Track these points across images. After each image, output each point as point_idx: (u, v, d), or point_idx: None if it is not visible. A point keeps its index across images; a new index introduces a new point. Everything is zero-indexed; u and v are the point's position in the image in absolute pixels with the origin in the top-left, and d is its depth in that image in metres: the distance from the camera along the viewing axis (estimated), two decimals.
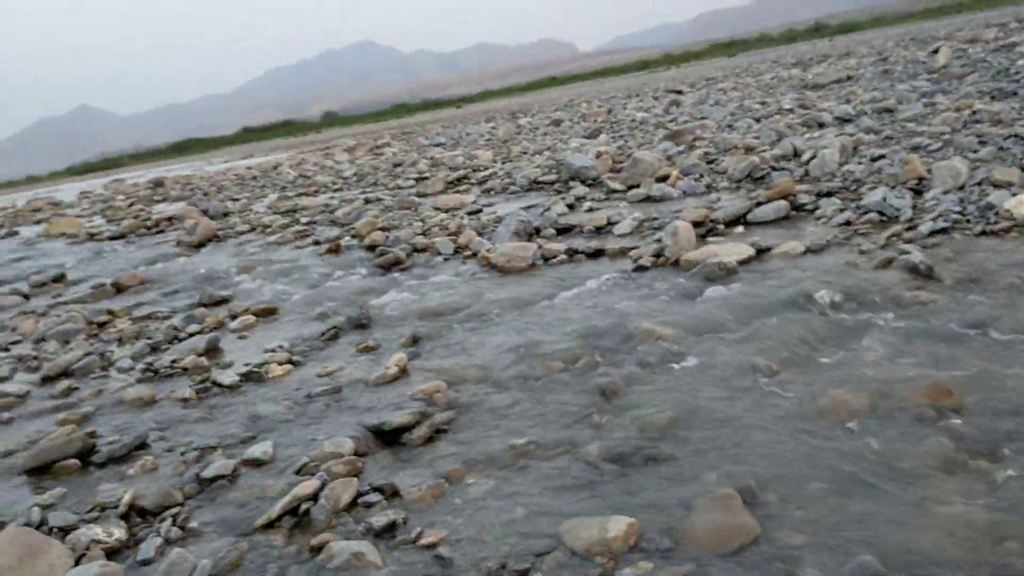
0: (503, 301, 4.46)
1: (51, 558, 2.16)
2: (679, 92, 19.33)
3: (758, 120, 9.82)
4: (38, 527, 2.43)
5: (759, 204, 5.41)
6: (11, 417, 3.67)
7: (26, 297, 6.68)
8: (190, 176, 22.47)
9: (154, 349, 4.47)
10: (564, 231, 5.99)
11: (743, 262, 4.34)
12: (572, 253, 5.23)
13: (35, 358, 4.60)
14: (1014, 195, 4.33)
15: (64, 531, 2.41)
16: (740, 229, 5.16)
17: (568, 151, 10.21)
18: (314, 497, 2.44)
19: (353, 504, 2.43)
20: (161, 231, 9.80)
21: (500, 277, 5.07)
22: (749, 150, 7.56)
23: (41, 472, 2.95)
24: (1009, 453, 2.18)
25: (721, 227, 5.20)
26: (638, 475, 2.39)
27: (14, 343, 5.09)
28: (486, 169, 10.31)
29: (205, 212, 9.81)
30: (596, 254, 5.17)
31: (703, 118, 11.17)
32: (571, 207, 6.84)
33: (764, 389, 2.83)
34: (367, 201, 9.10)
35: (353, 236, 7.01)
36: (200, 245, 8.12)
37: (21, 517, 2.52)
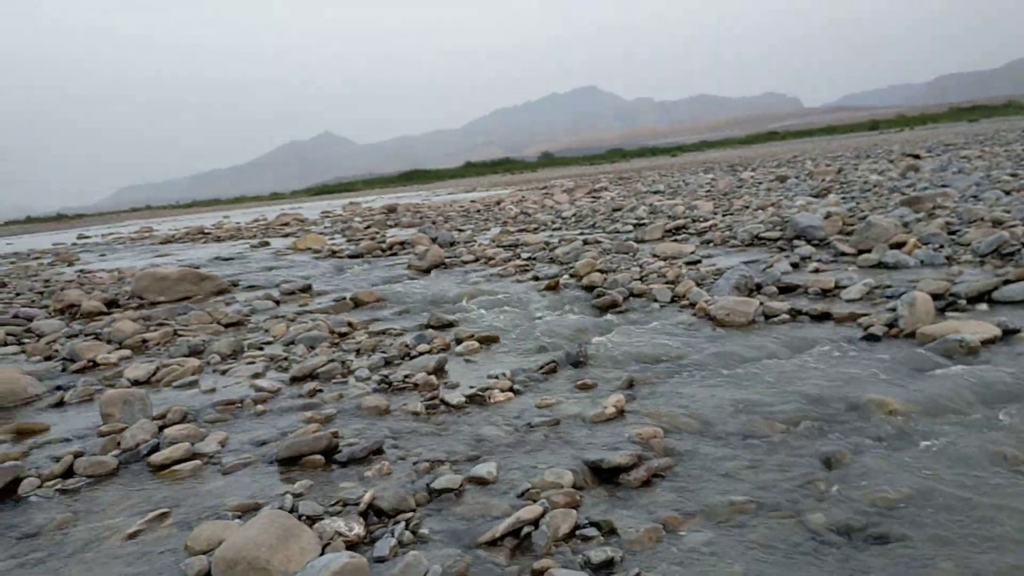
0: (721, 354, 4.43)
1: (302, 542, 2.39)
2: (917, 156, 18.24)
3: (1008, 193, 9.10)
4: (289, 512, 2.69)
5: (1007, 282, 5.03)
6: (265, 410, 4.08)
7: (277, 303, 7.40)
8: (419, 204, 23.84)
9: (388, 363, 4.81)
10: (787, 290, 5.84)
11: (987, 342, 4.05)
12: (795, 313, 5.09)
13: (285, 359, 5.08)
14: None
15: (311, 520, 2.66)
16: (983, 307, 4.82)
17: (794, 209, 9.92)
18: (535, 522, 2.54)
19: (571, 535, 2.51)
20: (394, 254, 10.50)
21: (718, 330, 5.02)
22: (997, 224, 7.04)
23: (290, 463, 3.27)
24: None
25: (962, 302, 4.88)
26: (866, 552, 2.30)
27: (267, 343, 5.65)
28: (706, 220, 10.23)
29: (434, 240, 10.40)
30: (821, 317, 5.00)
31: (944, 186, 10.49)
32: (795, 266, 6.66)
33: (1007, 480, 2.64)
34: (585, 242, 9.30)
35: (571, 275, 7.19)
36: (429, 270, 8.63)
37: (276, 501, 2.81)
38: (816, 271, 6.32)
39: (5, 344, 6.41)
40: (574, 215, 13.53)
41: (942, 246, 6.59)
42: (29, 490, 3.18)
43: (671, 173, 30.60)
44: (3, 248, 27.26)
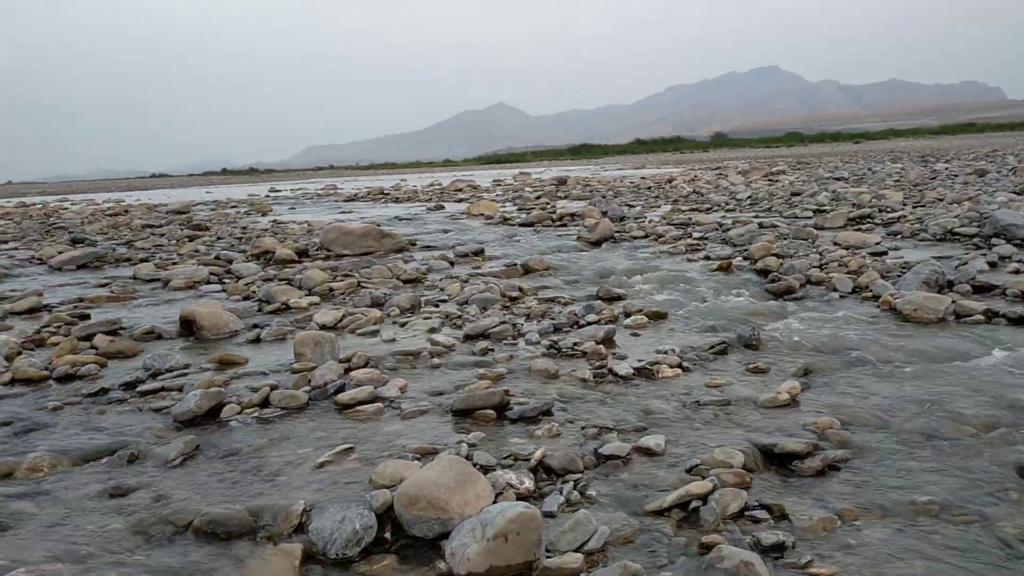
0: (906, 350, 4.22)
1: (478, 489, 2.50)
2: None
3: None
4: (465, 459, 2.82)
5: None
6: (440, 363, 4.26)
7: (451, 264, 7.66)
8: (589, 178, 23.86)
9: (557, 329, 4.90)
10: (982, 290, 5.47)
11: None
12: (991, 315, 4.77)
13: (459, 317, 5.28)
14: None
15: (484, 469, 2.77)
16: None
17: (994, 205, 9.22)
18: (704, 498, 2.54)
19: (740, 515, 2.50)
20: (564, 225, 10.60)
21: (903, 325, 4.78)
22: None
23: (464, 415, 3.40)
24: None
25: None
26: None
27: (442, 301, 5.88)
28: (893, 211, 9.69)
29: (604, 213, 10.41)
30: (1021, 321, 4.66)
31: None
32: (992, 265, 6.21)
33: None
34: (761, 226, 9.04)
35: (745, 258, 7.02)
36: (598, 243, 8.66)
37: (452, 448, 2.95)
38: (1016, 272, 5.87)
39: (208, 282, 7.00)
40: (749, 197, 13.15)
41: None
42: (230, 415, 3.48)
43: (855, 160, 29.05)
44: (204, 196, 29.61)
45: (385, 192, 22.96)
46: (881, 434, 3.16)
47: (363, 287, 6.42)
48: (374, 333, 4.96)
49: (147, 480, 2.83)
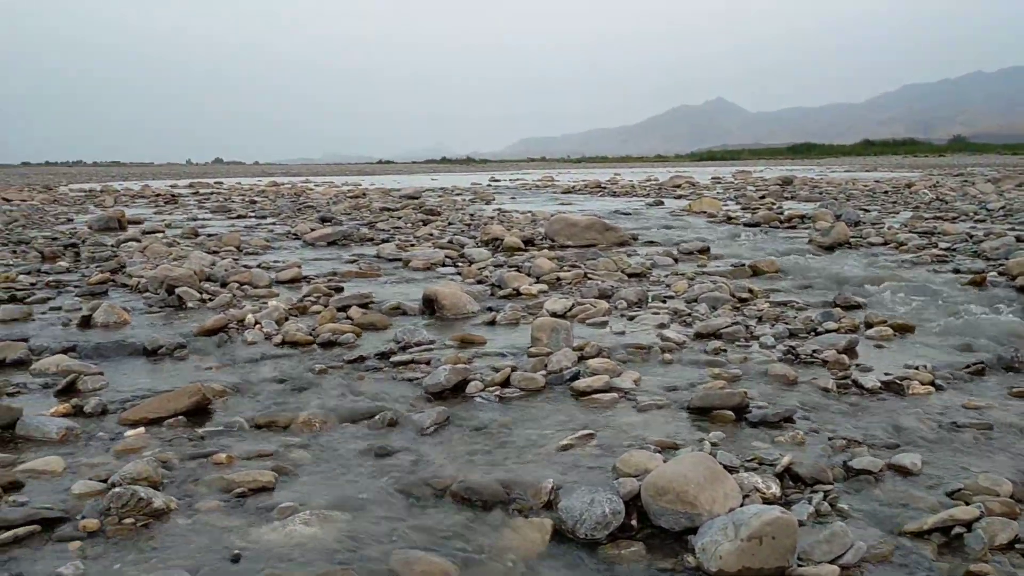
0: None
1: (726, 488, 2.49)
2: None
3: None
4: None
5: None
6: (672, 359, 4.25)
7: (676, 260, 7.62)
8: (816, 179, 22.80)
9: (792, 335, 4.74)
10: None
11: None
12: None
13: (688, 315, 5.24)
14: None
15: (728, 469, 2.75)
16: None
17: None
18: (968, 524, 2.39)
19: (1009, 547, 2.33)
20: (792, 227, 10.21)
21: None
22: None
23: (701, 413, 3.38)
24: None
25: None
26: None
27: (669, 297, 5.86)
28: None
29: (838, 217, 9.92)
30: None
31: None
32: None
33: None
34: (1019, 239, 8.26)
35: (1000, 273, 6.46)
36: (831, 247, 8.28)
37: (693, 445, 2.95)
38: None
39: (444, 265, 7.40)
40: (1003, 208, 12.04)
41: None
42: (474, 391, 3.67)
43: None
44: (430, 183, 31.22)
45: (601, 185, 23.10)
46: None
47: (589, 278, 6.52)
48: (603, 324, 5.04)
49: (406, 444, 3.05)
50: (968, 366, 4.12)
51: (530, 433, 3.18)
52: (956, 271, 6.79)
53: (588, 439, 3.08)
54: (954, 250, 7.89)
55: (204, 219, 13.04)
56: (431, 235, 9.60)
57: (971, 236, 8.77)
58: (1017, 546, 2.34)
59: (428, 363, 4.10)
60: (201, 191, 23.52)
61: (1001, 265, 6.71)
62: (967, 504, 2.52)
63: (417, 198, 17.57)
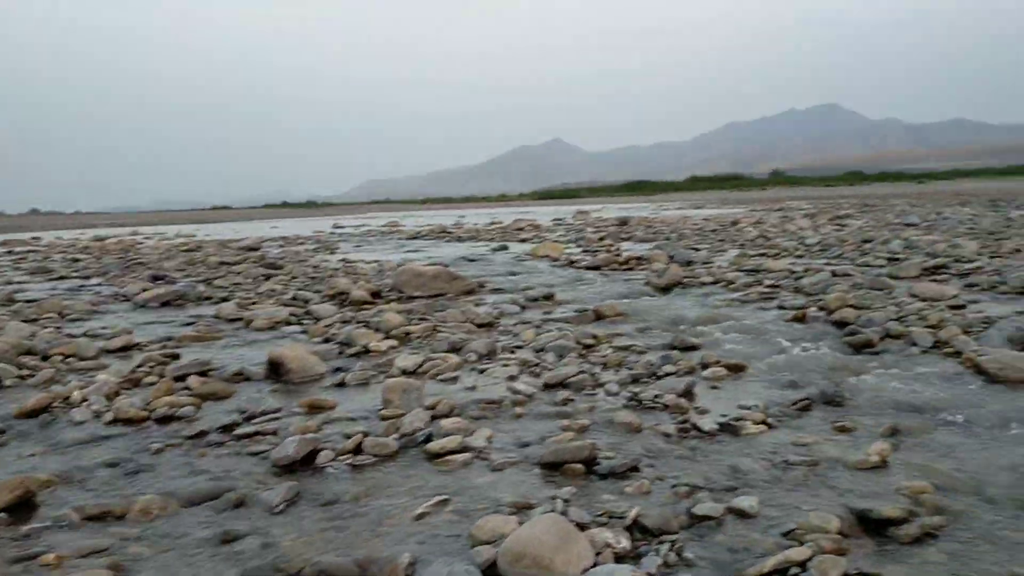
0: (995, 412, 4.14)
1: (579, 548, 2.55)
2: None
3: None
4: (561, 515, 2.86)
5: None
6: (522, 413, 4.31)
7: (522, 308, 7.75)
8: (650, 218, 23.86)
9: (635, 380, 4.92)
10: None
11: None
12: None
13: (536, 365, 5.33)
14: None
15: (580, 526, 2.81)
16: None
17: None
18: (802, 564, 2.55)
19: None
20: (630, 268, 10.62)
21: (989, 384, 4.69)
22: None
23: (553, 468, 3.45)
24: None
25: None
26: None
27: (518, 347, 5.95)
28: (970, 262, 9.50)
29: (672, 258, 10.42)
30: None
31: None
32: None
33: None
34: (834, 274, 8.95)
35: (820, 308, 6.96)
36: (667, 288, 8.67)
37: (547, 504, 3.00)
38: None
39: (288, 323, 7.20)
40: (818, 243, 13.02)
41: None
42: (325, 461, 3.58)
43: (921, 203, 28.56)
44: (271, 232, 30.33)
45: (447, 230, 23.26)
46: (975, 500, 3.12)
47: (439, 331, 6.53)
48: (454, 379, 5.05)
49: (254, 526, 2.94)
50: (795, 403, 4.41)
51: (384, 504, 3.14)
52: (781, 307, 7.25)
53: (443, 505, 3.08)
54: (778, 287, 8.43)
55: (20, 282, 12.10)
56: (273, 291, 9.34)
57: (792, 272, 9.41)
58: None
59: (275, 433, 3.98)
60: (16, 249, 21.83)
61: (820, 300, 7.23)
62: (801, 544, 2.68)
63: (257, 249, 17.06)
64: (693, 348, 5.83)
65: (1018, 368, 4.76)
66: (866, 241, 12.99)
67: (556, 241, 15.44)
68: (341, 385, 5.01)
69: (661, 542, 2.75)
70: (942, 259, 9.69)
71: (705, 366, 5.23)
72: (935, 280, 8.48)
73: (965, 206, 24.64)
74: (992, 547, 2.73)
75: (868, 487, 3.24)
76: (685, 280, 9.06)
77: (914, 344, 5.64)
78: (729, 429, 3.98)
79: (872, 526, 2.90)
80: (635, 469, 3.44)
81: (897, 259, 10.13)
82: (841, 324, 6.35)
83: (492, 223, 28.20)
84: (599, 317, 7.09)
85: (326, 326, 6.86)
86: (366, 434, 3.83)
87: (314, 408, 4.44)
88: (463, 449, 3.67)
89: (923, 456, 3.62)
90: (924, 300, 7.24)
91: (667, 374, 5.04)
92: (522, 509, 2.99)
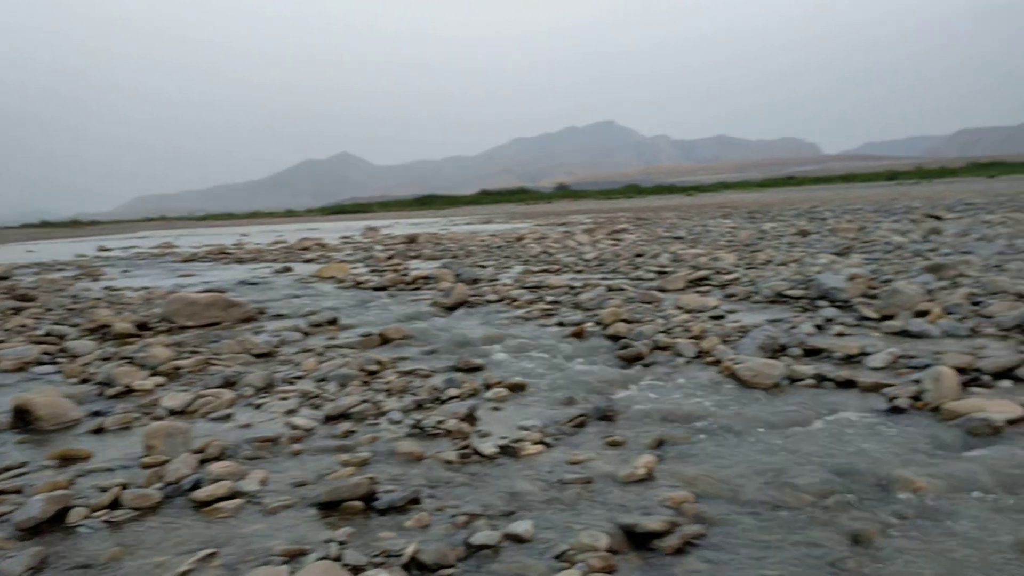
0: (748, 417, 4.49)
1: None
2: (938, 218, 18.31)
3: None
4: (335, 561, 2.78)
5: None
6: (301, 449, 4.16)
7: (305, 334, 7.51)
8: (440, 236, 24.02)
9: (419, 406, 4.89)
10: (811, 353, 5.89)
11: (1012, 422, 4.11)
12: (820, 379, 5.16)
13: (317, 396, 5.18)
14: None
15: (356, 570, 2.74)
16: (1007, 383, 4.86)
17: (817, 267, 10.02)
18: None
19: None
20: (418, 288, 10.62)
21: (744, 391, 5.09)
22: (1021, 297, 7.11)
23: (330, 507, 3.35)
24: None
25: (986, 378, 4.93)
26: None
27: (298, 377, 5.75)
28: (729, 273, 10.32)
29: (458, 276, 10.52)
30: (846, 384, 5.06)
31: (967, 252, 10.57)
32: (819, 328, 6.72)
33: None
34: (609, 289, 9.40)
35: (597, 323, 7.26)
36: (453, 308, 8.73)
37: (321, 549, 2.90)
38: (840, 335, 6.38)
39: (40, 363, 6.54)
40: (596, 258, 13.65)
41: (965, 317, 6.66)
42: (78, 519, 3.27)
43: (690, 215, 30.78)
44: (25, 256, 27.54)
45: (226, 251, 22.20)
46: (731, 506, 3.35)
47: (212, 364, 6.18)
48: (228, 417, 4.79)
49: None
50: (571, 419, 4.56)
51: (144, 563, 2.90)
52: (560, 324, 7.50)
53: (210, 559, 2.90)
54: (559, 303, 8.73)
55: None
56: (24, 326, 8.46)
57: (572, 288, 9.79)
58: None
59: (20, 491, 3.59)
60: None
61: (596, 315, 7.56)
62: (572, 565, 2.76)
63: (7, 278, 15.44)
64: (477, 369, 5.89)
65: (768, 375, 5.20)
66: (638, 255, 13.78)
67: (343, 261, 15.17)
68: (99, 431, 4.60)
69: None
70: (704, 271, 10.45)
71: (488, 387, 5.30)
72: (699, 292, 9.12)
73: (727, 218, 26.81)
74: (747, 551, 2.94)
75: (636, 501, 3.40)
76: (471, 299, 9.17)
77: (680, 355, 6.01)
78: (509, 451, 4.04)
79: (638, 540, 3.03)
80: (416, 501, 3.40)
81: (665, 272, 10.81)
82: (615, 338, 6.67)
83: (276, 242, 27.28)
84: (385, 341, 7.02)
85: (84, 364, 6.29)
86: (125, 485, 3.54)
87: (67, 459, 4.04)
88: (234, 495, 3.48)
89: (686, 465, 3.85)
90: (688, 311, 7.76)
91: (451, 398, 5.06)
92: (295, 557, 2.87)
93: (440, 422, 4.47)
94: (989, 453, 3.75)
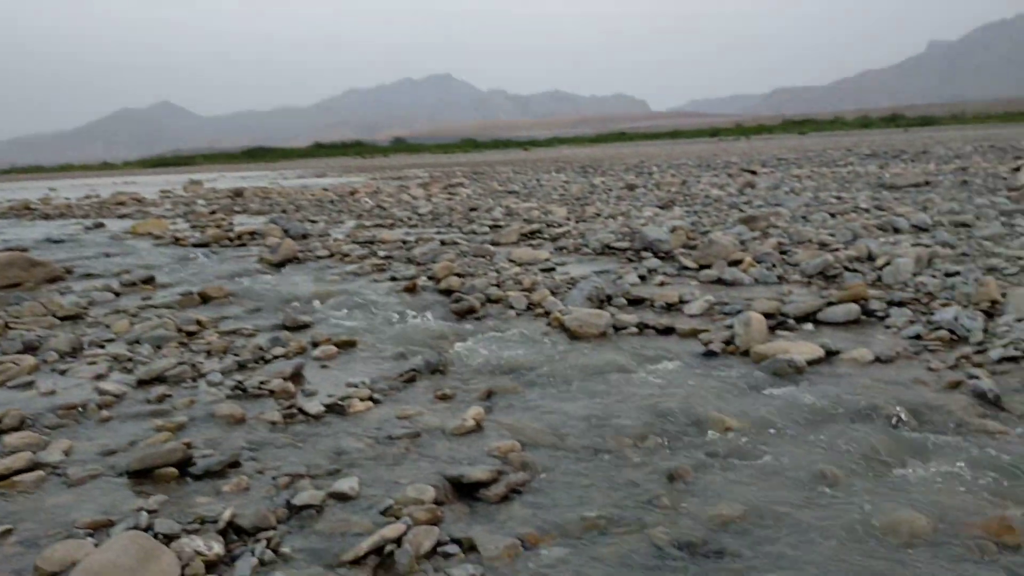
0: (575, 366, 4.62)
1: (163, 565, 2.36)
2: (753, 172, 19.44)
3: (833, 216, 9.90)
4: (145, 531, 2.63)
5: (830, 304, 5.50)
6: (110, 416, 3.91)
7: (117, 295, 7.04)
8: (268, 189, 23.13)
9: (241, 367, 4.71)
10: (635, 302, 6.12)
11: (812, 362, 4.44)
12: (643, 327, 5.37)
13: (129, 359, 4.88)
14: None
15: (168, 538, 2.61)
16: (810, 327, 5.24)
17: (642, 220, 10.39)
18: (398, 540, 2.61)
19: (433, 552, 2.60)
20: (243, 244, 10.20)
21: (572, 341, 5.22)
22: (823, 246, 7.67)
23: (142, 476, 3.17)
24: None
25: (791, 322, 5.29)
26: (704, 567, 2.51)
27: (109, 340, 5.39)
28: (560, 226, 10.53)
29: (286, 232, 10.19)
30: (666, 331, 5.30)
31: (777, 205, 11.28)
32: (643, 278, 6.99)
33: (828, 497, 2.93)
34: (443, 243, 9.37)
35: (429, 277, 7.23)
36: (281, 264, 8.45)
37: (130, 519, 2.74)
38: (661, 284, 6.66)
39: None
40: (430, 212, 13.57)
41: (774, 265, 7.11)
42: None
43: (524, 170, 31.16)
44: None
45: (31, 207, 20.46)
46: (557, 452, 3.44)
47: (11, 328, 5.69)
48: (29, 385, 4.43)
49: None
50: (401, 375, 4.53)
51: None
52: (393, 279, 7.42)
53: (5, 536, 2.68)
54: (391, 258, 8.63)
55: None
56: None
57: (405, 243, 9.69)
58: (439, 549, 2.62)
59: None
60: None
61: (429, 270, 7.52)
62: (397, 519, 2.74)
63: None
64: (305, 327, 5.74)
65: (593, 324, 5.36)
66: (472, 209, 13.83)
67: (161, 216, 14.33)
68: None
69: (257, 540, 2.64)
70: (537, 225, 10.62)
71: (316, 344, 5.18)
72: (531, 245, 9.27)
73: (560, 172, 27.34)
74: (570, 495, 3.03)
75: (464, 452, 3.42)
76: (300, 255, 8.91)
77: (511, 307, 6.09)
78: (336, 409, 3.97)
79: (465, 490, 3.06)
80: (235, 465, 3.28)
81: (499, 226, 10.90)
82: (448, 292, 6.66)
83: (88, 196, 25.41)
84: (205, 300, 6.69)
85: None
86: None
87: None
88: (34, 467, 3.23)
89: (514, 415, 3.91)
90: (520, 264, 7.87)
91: (276, 357, 4.91)
92: (101, 529, 2.70)
93: (263, 382, 4.32)
94: (792, 392, 4.02)
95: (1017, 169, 13.45)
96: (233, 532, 2.70)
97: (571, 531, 2.75)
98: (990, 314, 5.04)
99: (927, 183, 13.69)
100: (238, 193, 19.95)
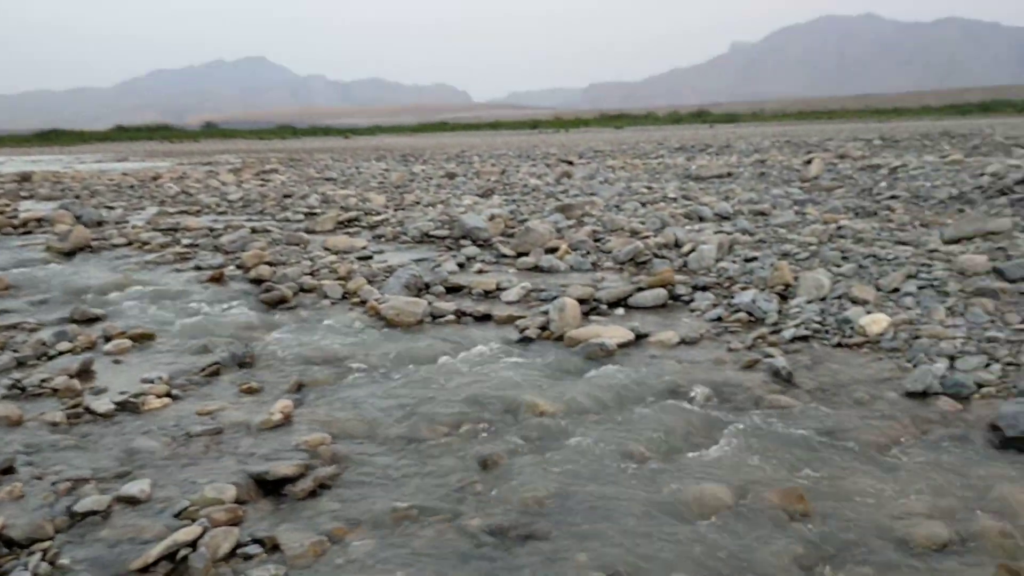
0: (390, 356, 4.52)
1: None
2: (570, 163, 19.98)
3: (644, 205, 10.32)
4: None
5: (640, 289, 5.69)
6: None
7: None
8: (60, 173, 21.35)
9: (20, 364, 4.28)
10: (453, 290, 6.10)
11: (623, 345, 4.57)
12: (460, 314, 5.35)
13: None
14: (868, 312, 4.76)
15: None
16: (621, 311, 5.40)
17: (461, 208, 10.40)
18: (193, 544, 2.43)
19: (232, 554, 2.45)
20: (29, 232, 9.35)
21: (388, 330, 5.12)
22: (634, 234, 7.95)
23: None
24: (848, 564, 2.42)
25: (604, 307, 5.43)
26: (515, 551, 2.51)
27: None
28: (378, 214, 10.36)
29: (79, 218, 9.41)
30: (484, 318, 5.31)
31: (592, 194, 11.62)
32: (461, 266, 6.98)
33: (635, 475, 3.01)
34: (253, 230, 8.97)
35: (238, 266, 6.90)
36: (72, 253, 7.79)
37: None
38: (480, 272, 6.68)
39: None
40: (241, 199, 12.98)
41: (589, 252, 7.30)
42: None
43: (344, 158, 30.49)
44: None
45: None
46: (369, 444, 3.35)
47: None
48: None
49: None
50: (204, 368, 4.27)
51: None
52: (198, 268, 7.01)
53: None
54: (197, 246, 8.16)
55: None
56: None
57: (212, 230, 9.20)
58: (240, 551, 2.46)
59: None
60: None
61: (238, 258, 7.16)
62: (193, 521, 2.56)
63: None
64: (96, 320, 5.30)
65: (410, 312, 5.27)
66: (287, 196, 13.35)
67: None
68: None
69: (32, 553, 2.39)
70: (354, 212, 10.39)
71: (108, 339, 4.79)
72: (348, 233, 9.04)
73: (381, 160, 26.96)
74: (381, 486, 2.94)
75: (270, 447, 3.26)
76: (94, 243, 8.25)
77: (326, 296, 5.90)
78: (129, 407, 3.68)
79: (270, 487, 2.90)
80: (9, 471, 2.96)
81: (315, 214, 10.58)
82: (258, 282, 6.37)
83: None
84: None
85: None
86: None
87: None
88: None
89: (325, 407, 3.77)
90: (336, 253, 7.65)
91: (61, 353, 4.50)
92: None
93: (45, 380, 3.95)
94: (602, 374, 4.11)
95: (808, 162, 14.55)
96: (4, 545, 2.43)
97: (382, 523, 2.67)
98: (784, 296, 5.38)
99: (729, 175, 14.56)
100: (25, 177, 18.26)
